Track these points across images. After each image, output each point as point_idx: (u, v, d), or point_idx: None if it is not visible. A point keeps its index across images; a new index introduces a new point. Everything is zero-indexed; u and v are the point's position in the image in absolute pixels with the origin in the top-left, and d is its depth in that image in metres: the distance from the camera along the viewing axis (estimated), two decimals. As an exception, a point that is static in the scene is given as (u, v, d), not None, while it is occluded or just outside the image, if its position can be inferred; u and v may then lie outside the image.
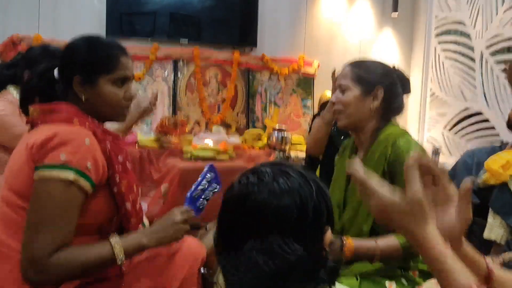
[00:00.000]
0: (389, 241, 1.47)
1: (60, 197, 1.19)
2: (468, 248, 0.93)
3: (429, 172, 0.88)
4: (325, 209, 0.88)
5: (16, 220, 1.25)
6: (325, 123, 2.35)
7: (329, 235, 0.90)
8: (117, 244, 1.26)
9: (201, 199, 1.50)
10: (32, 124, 1.33)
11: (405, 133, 1.61)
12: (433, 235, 0.81)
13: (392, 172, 1.52)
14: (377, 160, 1.55)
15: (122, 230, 1.37)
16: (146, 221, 1.89)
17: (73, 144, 1.21)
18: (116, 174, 1.30)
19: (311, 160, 2.78)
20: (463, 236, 0.91)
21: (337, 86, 1.65)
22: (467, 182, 0.88)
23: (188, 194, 1.49)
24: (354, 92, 1.58)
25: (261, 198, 0.84)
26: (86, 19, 3.65)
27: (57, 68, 1.38)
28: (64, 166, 1.19)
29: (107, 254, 1.25)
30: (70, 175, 1.19)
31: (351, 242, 1.44)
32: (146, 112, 1.97)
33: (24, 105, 1.38)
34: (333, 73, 2.36)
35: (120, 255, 1.25)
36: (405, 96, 1.68)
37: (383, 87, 1.58)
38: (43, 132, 1.24)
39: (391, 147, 1.53)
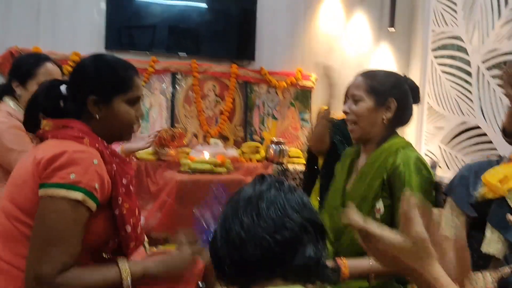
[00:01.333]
0: None
1: (68, 216, 1.19)
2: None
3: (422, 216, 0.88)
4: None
5: (14, 233, 1.24)
6: (322, 117, 2.37)
7: None
8: (126, 269, 1.25)
9: None
10: (42, 138, 1.32)
11: (408, 145, 1.63)
12: (440, 273, 0.81)
13: (391, 182, 1.53)
14: (377, 168, 1.57)
15: (119, 253, 1.35)
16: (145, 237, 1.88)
17: (82, 164, 1.21)
18: (119, 196, 1.30)
19: (310, 170, 2.77)
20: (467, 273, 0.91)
21: (349, 96, 1.66)
22: (461, 240, 0.89)
23: (205, 236, 1.47)
24: (367, 103, 1.60)
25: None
26: (86, 32, 3.67)
27: (64, 85, 1.38)
28: (73, 186, 1.19)
29: (114, 278, 1.24)
30: (79, 195, 1.19)
31: (345, 264, 1.43)
32: (141, 148, 2.24)
33: (28, 121, 1.38)
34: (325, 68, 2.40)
35: (127, 280, 1.24)
36: None
37: (395, 98, 1.60)
38: (52, 147, 1.24)
39: (392, 158, 1.55)
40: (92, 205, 1.22)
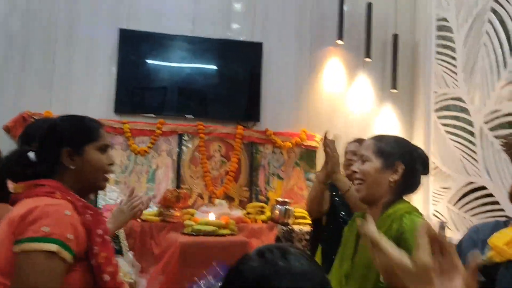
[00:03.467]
0: None
1: (44, 269, 1.20)
2: None
3: (436, 242, 0.92)
4: None
5: None
6: (319, 181, 2.42)
7: None
8: None
9: None
10: (15, 201, 1.36)
11: (413, 210, 1.61)
12: None
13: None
14: (382, 234, 1.55)
15: None
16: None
17: (54, 216, 1.24)
18: (94, 246, 1.31)
19: (316, 229, 2.74)
20: None
21: (358, 157, 1.69)
22: (476, 257, 0.91)
23: None
24: (375, 164, 1.63)
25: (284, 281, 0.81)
26: (97, 96, 3.79)
27: (32, 152, 1.43)
28: (46, 238, 1.21)
29: None
30: (53, 247, 1.21)
31: None
32: (136, 215, 1.92)
33: None
34: (325, 137, 2.43)
35: None
36: None
37: (403, 162, 1.62)
38: (24, 205, 1.28)
39: (396, 223, 1.54)
40: (68, 256, 1.23)
